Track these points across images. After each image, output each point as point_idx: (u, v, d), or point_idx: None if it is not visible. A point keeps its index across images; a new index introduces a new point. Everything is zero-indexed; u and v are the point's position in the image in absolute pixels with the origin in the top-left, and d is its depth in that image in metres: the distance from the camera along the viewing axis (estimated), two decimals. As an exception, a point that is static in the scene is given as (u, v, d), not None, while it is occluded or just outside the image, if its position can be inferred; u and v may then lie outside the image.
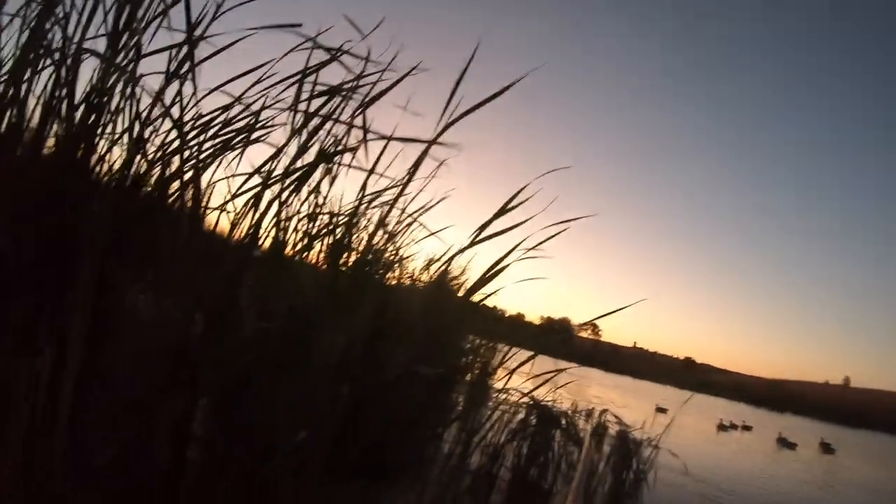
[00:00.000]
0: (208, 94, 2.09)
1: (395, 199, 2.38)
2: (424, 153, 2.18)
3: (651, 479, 5.51)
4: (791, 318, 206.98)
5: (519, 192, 2.44)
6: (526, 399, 5.14)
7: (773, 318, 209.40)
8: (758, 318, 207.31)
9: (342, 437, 2.55)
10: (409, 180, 2.26)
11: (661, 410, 17.95)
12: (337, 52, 2.17)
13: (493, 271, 2.50)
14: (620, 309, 2.58)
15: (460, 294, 3.45)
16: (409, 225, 3.29)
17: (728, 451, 17.16)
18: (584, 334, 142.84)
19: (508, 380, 5.21)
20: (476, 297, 7.94)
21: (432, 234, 2.99)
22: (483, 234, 2.42)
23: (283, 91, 2.19)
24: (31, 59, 1.79)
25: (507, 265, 2.51)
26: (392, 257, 3.51)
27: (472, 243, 2.44)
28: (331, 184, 2.41)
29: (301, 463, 2.15)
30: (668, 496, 6.90)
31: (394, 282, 3.57)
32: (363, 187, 2.43)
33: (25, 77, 1.79)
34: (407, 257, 3.63)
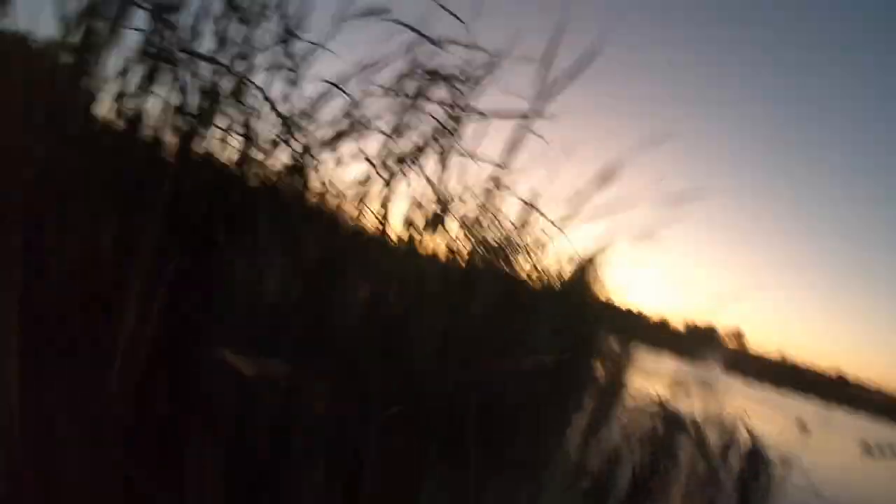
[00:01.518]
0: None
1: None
2: (522, 127, 2.18)
3: (778, 500, 5.28)
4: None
5: (616, 162, 2.40)
6: (655, 404, 5.06)
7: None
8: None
9: (456, 425, 2.60)
10: (510, 155, 2.24)
11: (802, 427, 17.10)
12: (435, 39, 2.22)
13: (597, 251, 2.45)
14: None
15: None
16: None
17: (869, 477, 16.17)
18: (728, 342, 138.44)
19: (642, 383, 5.14)
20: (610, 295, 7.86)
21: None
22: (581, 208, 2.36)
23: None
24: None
25: (610, 245, 2.44)
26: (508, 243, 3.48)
27: (566, 218, 2.40)
28: (441, 168, 2.40)
29: (408, 445, 2.19)
30: (793, 520, 6.59)
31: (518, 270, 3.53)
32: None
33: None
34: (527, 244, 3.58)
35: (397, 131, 2.27)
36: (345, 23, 2.17)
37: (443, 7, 2.23)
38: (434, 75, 2.25)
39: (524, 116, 2.20)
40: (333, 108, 2.28)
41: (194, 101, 2.04)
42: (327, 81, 2.21)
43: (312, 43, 2.18)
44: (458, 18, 2.23)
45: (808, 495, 6.66)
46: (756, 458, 5.38)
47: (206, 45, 2.06)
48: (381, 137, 2.30)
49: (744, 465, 5.39)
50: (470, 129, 2.30)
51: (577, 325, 5.35)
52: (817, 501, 7.02)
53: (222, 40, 2.05)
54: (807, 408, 36.14)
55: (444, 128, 2.27)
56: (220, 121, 2.14)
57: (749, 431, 5.70)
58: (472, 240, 3.22)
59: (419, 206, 2.40)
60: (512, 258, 3.54)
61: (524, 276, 3.34)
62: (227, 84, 2.08)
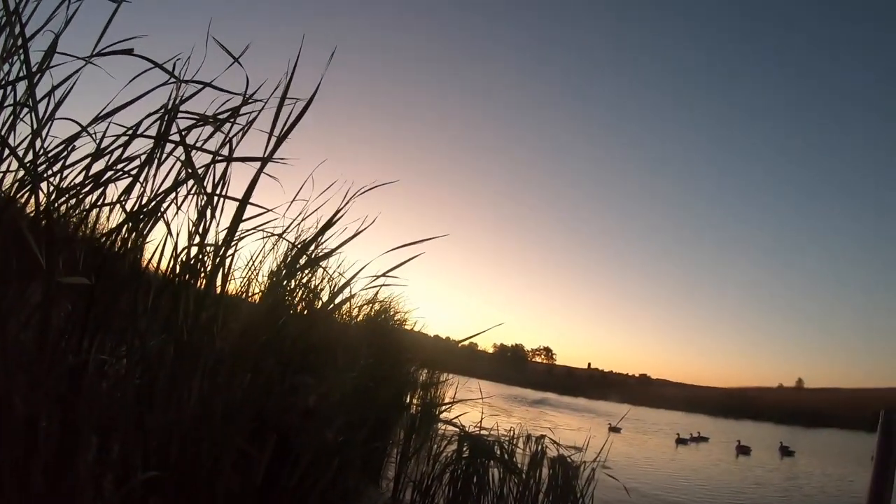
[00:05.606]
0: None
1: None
2: (259, 171, 2.13)
3: (591, 501, 5.41)
4: (739, 326, 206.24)
5: (340, 211, 2.59)
6: (462, 429, 5.04)
7: (722, 328, 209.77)
8: (707, 328, 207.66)
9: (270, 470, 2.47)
10: (247, 198, 2.16)
11: (614, 430, 17.83)
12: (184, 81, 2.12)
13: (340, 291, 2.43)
14: (484, 331, 2.60)
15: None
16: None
17: (684, 463, 17.18)
18: (538, 359, 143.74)
19: (450, 411, 5.14)
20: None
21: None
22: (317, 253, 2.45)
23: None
24: None
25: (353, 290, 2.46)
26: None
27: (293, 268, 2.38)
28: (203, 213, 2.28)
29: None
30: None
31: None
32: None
33: None
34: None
35: (146, 174, 2.11)
36: (95, 60, 1.98)
37: (215, 40, 2.13)
38: (187, 116, 2.13)
39: (263, 160, 2.11)
40: (82, 151, 2.08)
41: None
42: (75, 122, 2.00)
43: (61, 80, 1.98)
44: (228, 52, 2.12)
45: (616, 491, 6.90)
46: (564, 467, 5.47)
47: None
48: (131, 180, 2.12)
49: (551, 474, 5.48)
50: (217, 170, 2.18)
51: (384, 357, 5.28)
52: (624, 496, 7.29)
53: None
54: (619, 411, 38.09)
55: (192, 170, 2.13)
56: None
57: (556, 443, 5.80)
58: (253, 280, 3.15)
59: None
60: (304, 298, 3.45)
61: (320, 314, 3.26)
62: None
